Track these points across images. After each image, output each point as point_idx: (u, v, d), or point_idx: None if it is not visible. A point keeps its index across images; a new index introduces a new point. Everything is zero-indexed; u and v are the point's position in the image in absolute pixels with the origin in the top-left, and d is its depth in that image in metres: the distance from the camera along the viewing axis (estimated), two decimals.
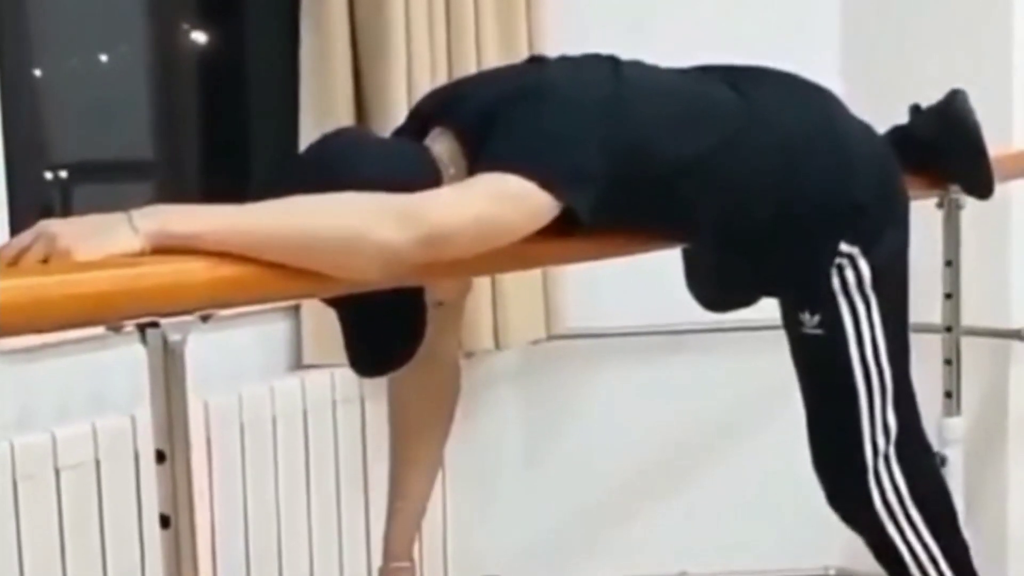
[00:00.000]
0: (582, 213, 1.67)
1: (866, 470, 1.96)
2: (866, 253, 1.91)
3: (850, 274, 1.92)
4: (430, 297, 1.85)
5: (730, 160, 1.84)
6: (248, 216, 1.46)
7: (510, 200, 1.61)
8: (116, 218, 1.38)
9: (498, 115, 1.70)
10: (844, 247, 1.91)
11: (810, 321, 1.95)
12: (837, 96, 2.02)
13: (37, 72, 2.58)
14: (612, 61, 1.86)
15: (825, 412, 2.01)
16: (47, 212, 2.54)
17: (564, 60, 1.89)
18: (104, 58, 2.78)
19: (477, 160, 1.69)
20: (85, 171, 2.71)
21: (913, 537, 1.99)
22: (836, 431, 2.00)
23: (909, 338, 2.01)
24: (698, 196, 1.84)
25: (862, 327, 1.93)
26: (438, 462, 2.11)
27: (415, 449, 2.07)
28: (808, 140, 1.92)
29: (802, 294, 1.97)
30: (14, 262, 1.33)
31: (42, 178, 2.62)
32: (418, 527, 2.10)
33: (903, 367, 1.98)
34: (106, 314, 1.31)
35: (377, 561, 2.07)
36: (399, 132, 1.92)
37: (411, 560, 2.07)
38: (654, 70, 1.90)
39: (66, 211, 2.60)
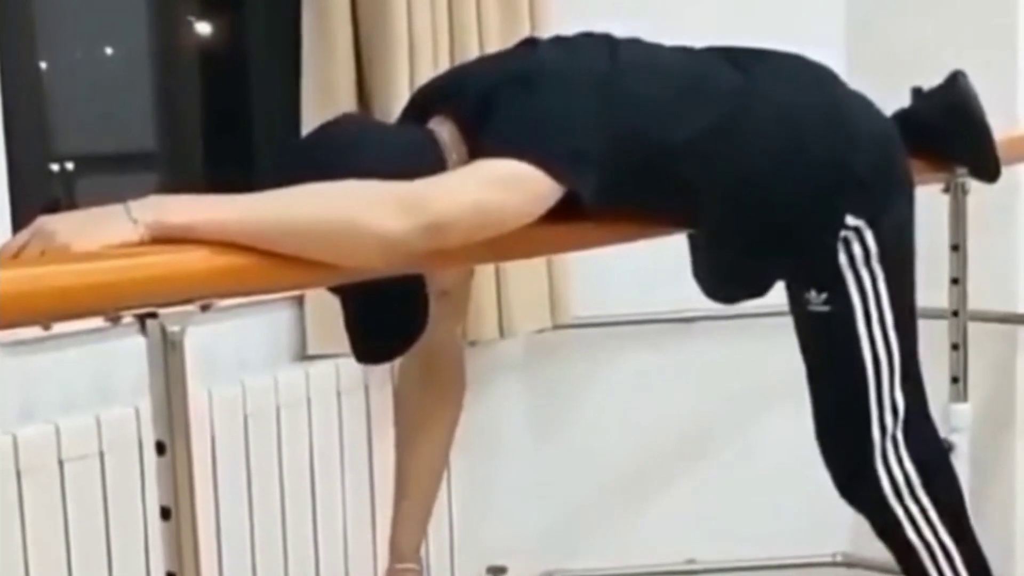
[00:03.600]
0: (584, 195, 1.66)
1: (874, 451, 1.94)
2: (872, 226, 1.90)
3: (857, 248, 1.90)
4: (433, 286, 1.84)
5: (731, 137, 1.83)
6: (248, 205, 1.45)
7: (511, 185, 1.60)
8: (114, 209, 1.38)
9: (494, 100, 1.69)
10: (850, 220, 1.89)
11: (817, 299, 1.94)
12: (838, 74, 2.00)
13: (42, 64, 2.58)
14: (608, 40, 1.85)
15: (832, 392, 1.99)
16: (52, 204, 2.53)
17: (558, 41, 1.88)
18: (108, 50, 2.78)
19: (476, 146, 1.69)
20: (90, 163, 2.71)
21: (921, 519, 1.97)
22: (843, 411, 1.98)
23: (916, 315, 1.99)
24: (701, 175, 1.83)
25: (869, 302, 1.91)
26: (444, 462, 2.11)
27: (421, 446, 2.06)
28: (810, 115, 1.90)
29: (809, 271, 1.95)
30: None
31: (47, 170, 2.61)
32: (425, 527, 2.09)
33: (911, 345, 1.97)
34: (104, 304, 1.31)
35: (382, 552, 2.07)
36: (399, 122, 1.91)
37: (418, 562, 2.06)
38: (652, 48, 1.89)
39: (71, 203, 2.60)
